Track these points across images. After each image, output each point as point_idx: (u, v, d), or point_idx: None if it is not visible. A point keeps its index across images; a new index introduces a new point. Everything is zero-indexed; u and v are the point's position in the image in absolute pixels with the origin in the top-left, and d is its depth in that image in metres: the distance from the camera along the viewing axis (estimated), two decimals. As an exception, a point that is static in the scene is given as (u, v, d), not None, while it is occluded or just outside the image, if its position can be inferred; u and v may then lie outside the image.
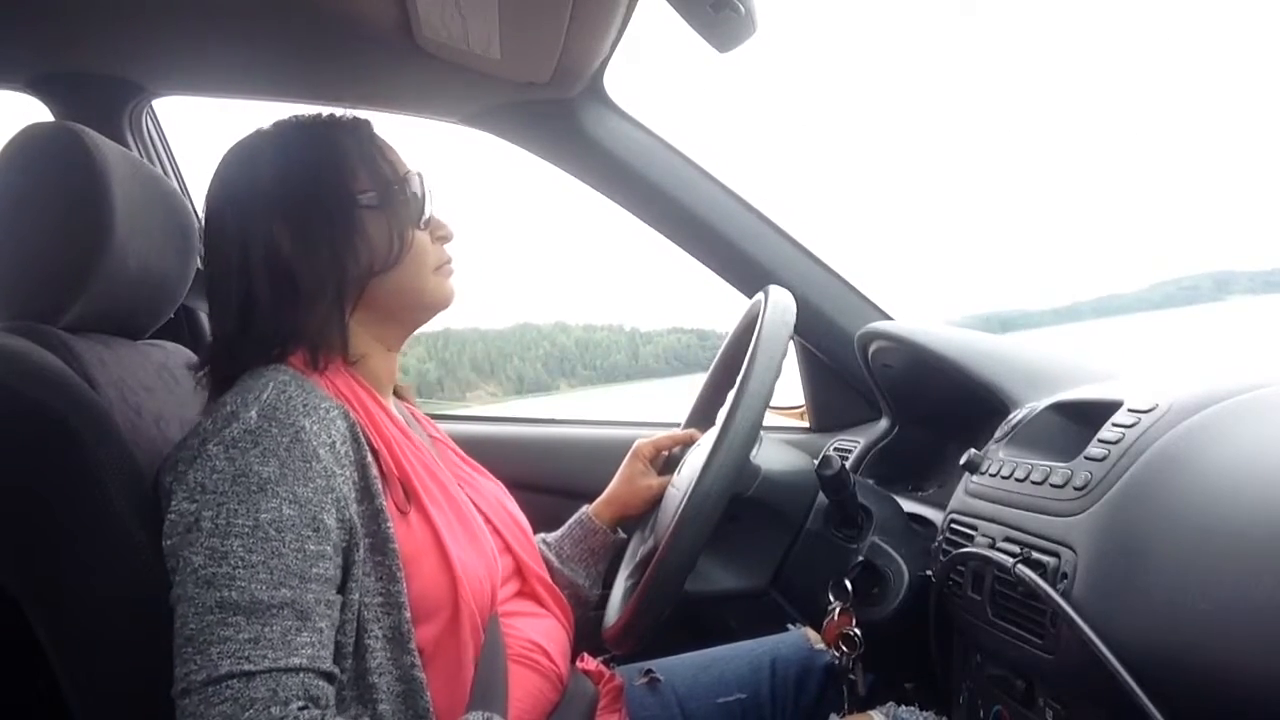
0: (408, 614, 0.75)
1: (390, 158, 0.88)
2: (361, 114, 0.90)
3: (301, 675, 0.66)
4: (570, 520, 1.11)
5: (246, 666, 0.65)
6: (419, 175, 0.88)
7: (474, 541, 0.83)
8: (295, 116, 0.88)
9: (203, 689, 0.64)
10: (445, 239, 0.91)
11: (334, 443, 0.74)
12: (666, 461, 1.14)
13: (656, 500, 1.08)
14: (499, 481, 1.00)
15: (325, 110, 0.89)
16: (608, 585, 1.09)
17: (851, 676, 0.92)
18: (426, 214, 0.88)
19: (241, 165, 0.85)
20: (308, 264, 0.81)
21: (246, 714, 0.63)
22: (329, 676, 0.69)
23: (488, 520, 0.90)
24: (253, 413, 0.72)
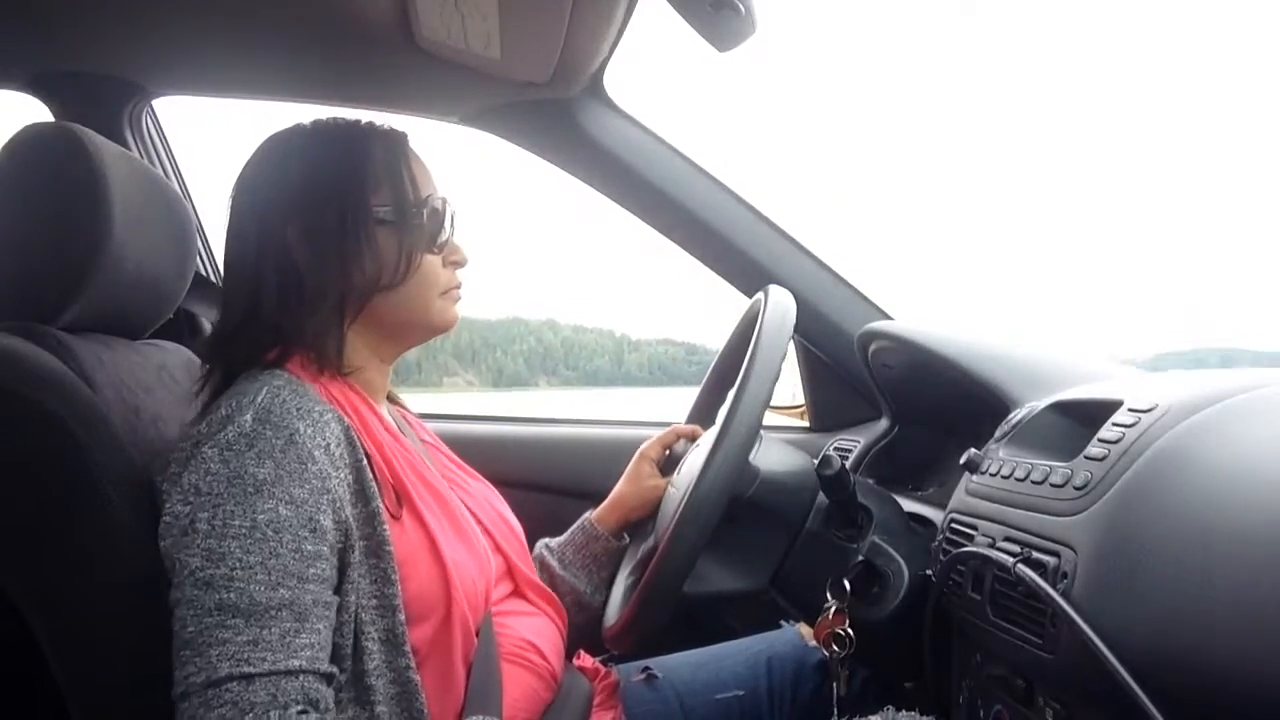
0: (402, 616, 0.75)
1: (417, 175, 0.87)
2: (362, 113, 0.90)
3: (301, 678, 0.67)
4: (573, 526, 1.10)
5: (246, 669, 0.65)
6: (442, 199, 0.88)
7: (467, 542, 0.84)
8: (333, 119, 0.88)
9: (202, 691, 0.64)
10: (459, 264, 0.90)
11: (329, 445, 0.74)
12: (669, 460, 1.13)
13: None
14: (489, 483, 1.00)
15: (364, 116, 0.89)
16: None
17: (842, 672, 0.92)
18: (442, 239, 0.88)
19: (270, 161, 0.86)
20: (315, 268, 0.82)
21: (246, 718, 0.63)
22: (327, 678, 0.69)
23: (478, 521, 0.90)
24: (247, 416, 0.72)
